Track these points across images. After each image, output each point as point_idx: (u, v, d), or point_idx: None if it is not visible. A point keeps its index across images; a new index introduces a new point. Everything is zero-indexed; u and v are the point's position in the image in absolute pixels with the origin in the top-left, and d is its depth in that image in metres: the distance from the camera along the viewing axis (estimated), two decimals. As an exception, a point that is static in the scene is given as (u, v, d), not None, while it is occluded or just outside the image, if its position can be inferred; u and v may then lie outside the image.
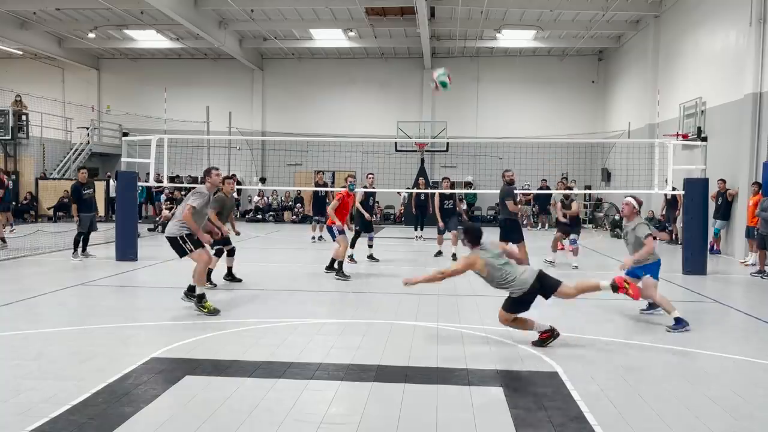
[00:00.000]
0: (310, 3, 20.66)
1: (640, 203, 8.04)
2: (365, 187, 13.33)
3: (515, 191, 11.51)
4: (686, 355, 6.22)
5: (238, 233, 10.54)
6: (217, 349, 6.09)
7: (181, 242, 7.78)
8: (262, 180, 26.35)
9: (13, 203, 22.82)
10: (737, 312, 8.51)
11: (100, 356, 5.83)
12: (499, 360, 5.87)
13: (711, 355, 6.20)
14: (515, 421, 4.37)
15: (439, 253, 13.85)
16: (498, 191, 12.03)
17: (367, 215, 12.89)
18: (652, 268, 7.57)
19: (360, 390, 5.01)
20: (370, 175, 13.54)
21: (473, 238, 6.54)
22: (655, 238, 7.72)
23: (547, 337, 6.37)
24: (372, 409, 4.59)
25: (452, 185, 14.24)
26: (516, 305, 6.40)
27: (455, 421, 4.39)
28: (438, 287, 9.93)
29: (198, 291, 7.79)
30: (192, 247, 7.75)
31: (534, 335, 6.44)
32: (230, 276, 10.15)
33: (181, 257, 7.96)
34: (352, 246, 12.69)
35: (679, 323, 7.15)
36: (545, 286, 6.42)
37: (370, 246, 13.29)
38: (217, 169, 8.20)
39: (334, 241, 11.07)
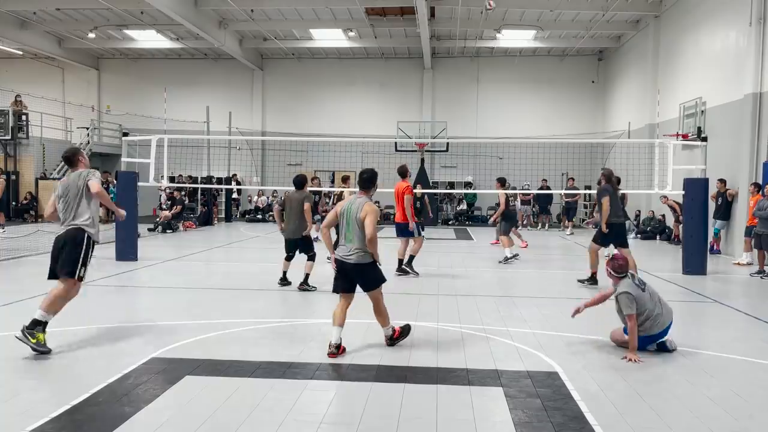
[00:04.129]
0: (310, 3, 20.65)
1: (617, 269, 6.39)
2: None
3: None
4: (686, 355, 6.22)
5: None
6: (217, 349, 6.09)
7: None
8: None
9: (14, 203, 22.88)
10: (737, 312, 8.51)
11: (100, 356, 5.83)
12: (499, 360, 5.87)
13: (711, 355, 6.20)
14: (515, 421, 4.37)
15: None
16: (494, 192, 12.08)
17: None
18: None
19: (360, 390, 5.01)
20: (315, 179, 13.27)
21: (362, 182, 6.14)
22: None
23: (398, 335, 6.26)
24: (372, 409, 4.59)
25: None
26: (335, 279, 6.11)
27: (455, 421, 4.39)
28: (438, 287, 9.95)
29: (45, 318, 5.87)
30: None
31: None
32: (306, 284, 9.43)
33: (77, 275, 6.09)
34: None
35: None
36: (343, 276, 6.02)
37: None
38: None
39: (405, 238, 11.21)
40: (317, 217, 16.85)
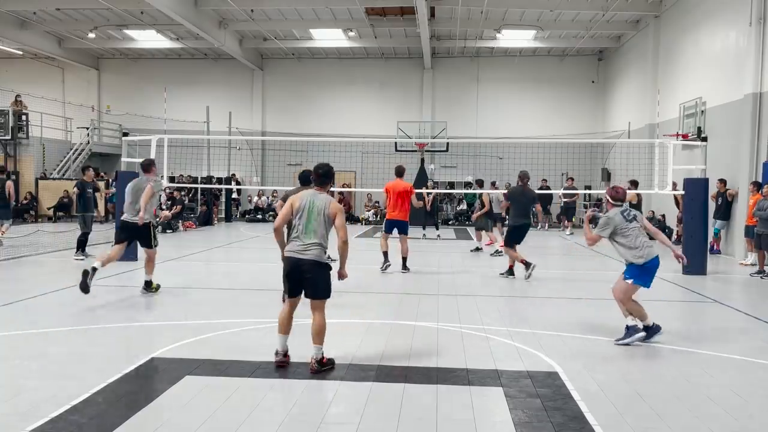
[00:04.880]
0: (310, 3, 20.65)
1: (614, 196, 6.87)
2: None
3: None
4: (686, 355, 6.22)
5: None
6: (217, 349, 6.09)
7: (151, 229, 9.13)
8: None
9: (13, 203, 22.85)
10: (737, 312, 8.51)
11: (100, 356, 5.83)
12: (499, 360, 5.87)
13: (711, 355, 6.20)
14: (515, 421, 4.37)
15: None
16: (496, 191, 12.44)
17: None
18: (630, 270, 6.62)
19: (360, 390, 5.01)
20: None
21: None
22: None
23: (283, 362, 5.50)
24: (372, 409, 4.59)
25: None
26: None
27: (455, 421, 4.39)
28: (438, 287, 9.95)
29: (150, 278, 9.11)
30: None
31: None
32: None
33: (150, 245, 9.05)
34: None
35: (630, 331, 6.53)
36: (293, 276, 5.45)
37: None
38: None
39: (405, 236, 11.48)
40: None
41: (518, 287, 10.39)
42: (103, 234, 16.16)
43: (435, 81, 27.24)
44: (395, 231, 11.49)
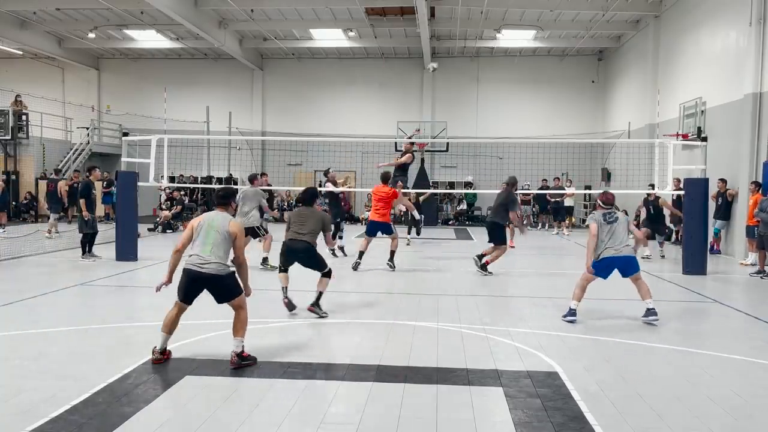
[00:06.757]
0: (310, 3, 20.65)
1: (604, 201, 7.82)
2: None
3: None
4: (686, 355, 6.22)
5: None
6: (217, 349, 6.09)
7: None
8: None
9: (14, 203, 22.86)
10: (737, 312, 8.50)
11: (100, 356, 5.83)
12: (499, 360, 5.87)
13: (711, 355, 6.20)
14: (515, 421, 4.38)
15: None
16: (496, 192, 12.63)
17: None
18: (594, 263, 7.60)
19: (360, 390, 5.01)
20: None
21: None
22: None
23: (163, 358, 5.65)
24: (372, 409, 4.59)
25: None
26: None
27: (455, 421, 4.39)
28: (438, 287, 9.94)
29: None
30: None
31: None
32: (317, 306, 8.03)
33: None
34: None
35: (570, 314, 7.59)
36: (191, 288, 5.74)
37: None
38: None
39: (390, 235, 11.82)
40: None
41: (518, 287, 10.38)
42: (102, 234, 16.14)
43: (435, 81, 27.22)
44: (379, 233, 11.92)
